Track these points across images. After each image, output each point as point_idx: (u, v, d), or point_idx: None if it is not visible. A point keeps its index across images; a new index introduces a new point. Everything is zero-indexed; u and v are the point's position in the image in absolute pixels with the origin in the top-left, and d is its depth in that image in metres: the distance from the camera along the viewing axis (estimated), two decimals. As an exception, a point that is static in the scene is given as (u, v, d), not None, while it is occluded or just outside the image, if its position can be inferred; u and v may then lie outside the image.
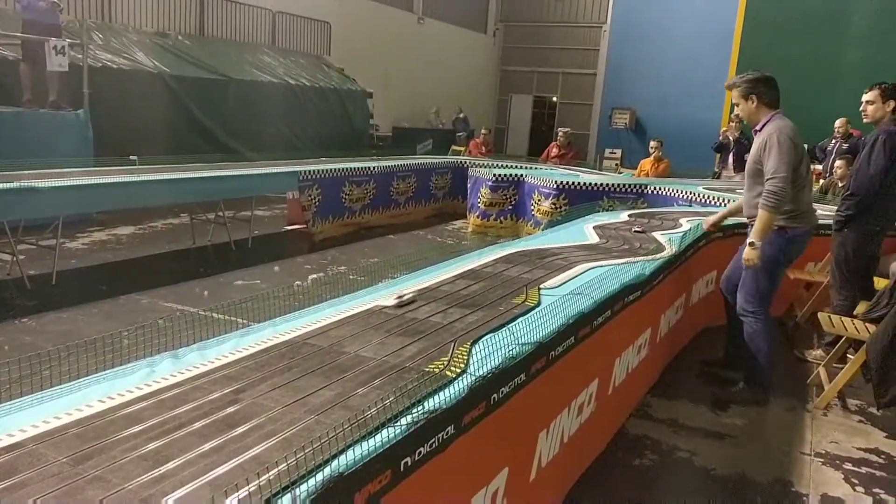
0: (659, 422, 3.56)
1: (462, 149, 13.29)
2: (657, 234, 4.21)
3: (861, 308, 4.20)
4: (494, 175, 8.50)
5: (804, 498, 2.91)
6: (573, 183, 7.91)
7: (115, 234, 7.29)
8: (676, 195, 7.45)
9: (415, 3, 17.96)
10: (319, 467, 1.26)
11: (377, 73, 15.82)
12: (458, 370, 1.80)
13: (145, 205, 6.85)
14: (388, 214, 9.01)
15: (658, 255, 3.61)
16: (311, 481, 1.22)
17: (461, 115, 17.62)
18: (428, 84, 17.99)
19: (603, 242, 3.95)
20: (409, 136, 15.59)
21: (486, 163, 9.84)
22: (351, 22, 15.13)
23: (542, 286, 2.79)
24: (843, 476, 3.12)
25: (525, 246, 3.75)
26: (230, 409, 1.56)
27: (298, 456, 1.26)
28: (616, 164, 16.69)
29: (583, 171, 9.66)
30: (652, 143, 10.09)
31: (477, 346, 1.99)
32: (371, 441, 1.38)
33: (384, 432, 1.42)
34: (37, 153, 6.26)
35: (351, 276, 2.93)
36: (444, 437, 1.58)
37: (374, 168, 8.66)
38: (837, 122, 9.45)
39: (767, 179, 3.51)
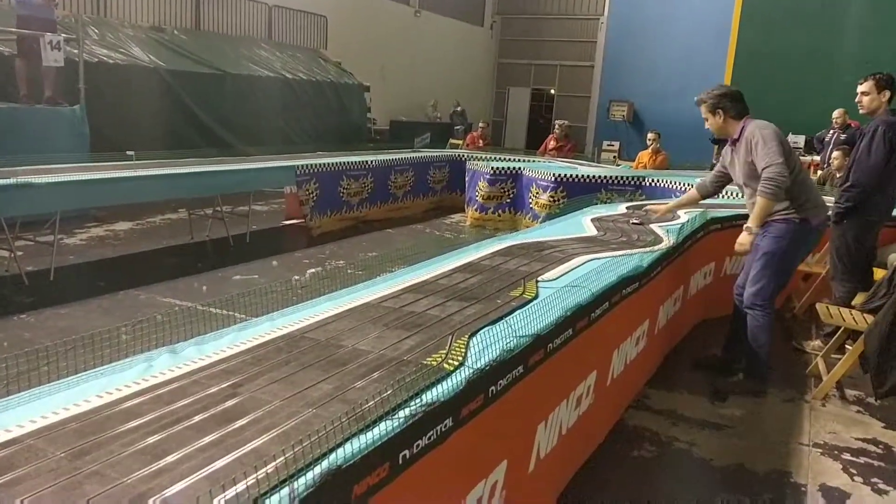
0: (657, 413, 3.57)
1: (460, 142, 13.27)
2: (655, 226, 4.20)
3: (859, 298, 4.21)
4: (492, 168, 8.49)
5: (802, 488, 2.93)
6: (571, 176, 7.91)
7: (112, 229, 7.28)
8: (674, 187, 7.45)
9: (411, -4, 17.93)
10: (318, 460, 1.26)
11: (374, 66, 15.78)
12: (456, 363, 1.80)
13: (143, 200, 6.84)
14: (386, 208, 9.00)
15: (656, 247, 3.61)
16: (310, 474, 1.22)
17: (459, 109, 17.59)
18: (425, 77, 17.94)
19: (601, 235, 3.95)
20: (406, 129, 15.55)
21: (483, 156, 9.83)
22: (347, 15, 15.08)
23: (539, 279, 2.79)
24: (841, 466, 3.14)
25: (523, 239, 3.75)
26: (228, 404, 1.56)
27: (297, 449, 1.26)
28: (614, 157, 16.65)
29: (581, 164, 9.65)
30: (650, 136, 10.09)
31: (475, 338, 1.99)
32: (369, 434, 1.38)
33: (382, 425, 1.42)
34: (33, 149, 6.24)
35: (349, 271, 2.92)
36: (443, 429, 1.58)
37: (371, 162, 8.65)
38: (835, 113, 9.45)
39: (764, 169, 3.51)
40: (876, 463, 3.19)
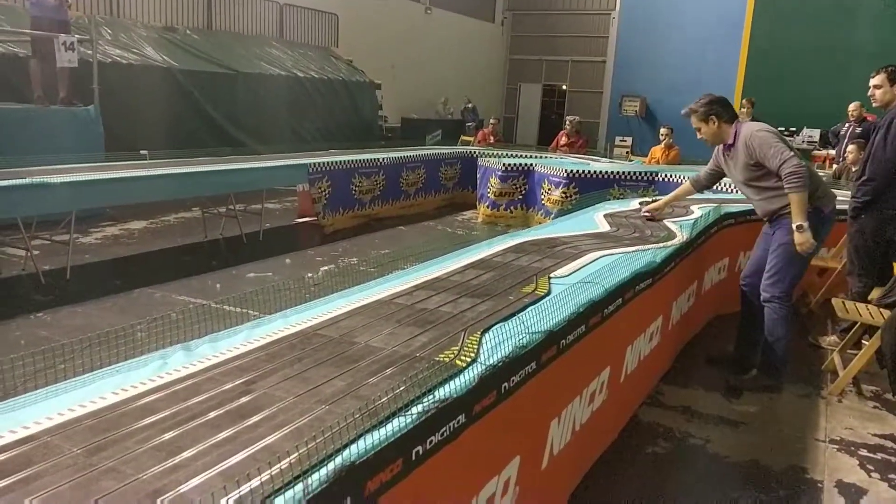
0: (671, 409, 3.56)
1: (471, 139, 13.26)
2: (668, 222, 4.18)
3: (875, 293, 4.17)
4: (504, 165, 8.47)
5: (819, 484, 2.90)
6: (583, 171, 7.87)
7: (127, 228, 7.34)
8: (687, 182, 7.39)
9: (422, -8, 17.92)
10: (331, 456, 1.27)
11: (385, 64, 15.79)
12: (469, 359, 1.80)
13: (157, 199, 6.89)
14: (397, 206, 9.01)
15: (669, 243, 3.59)
16: (323, 470, 1.22)
17: (470, 105, 17.57)
18: (436, 74, 17.94)
19: (614, 231, 3.94)
20: (417, 126, 15.57)
21: (495, 152, 9.81)
22: (358, 13, 15.10)
23: (552, 275, 2.78)
24: (857, 462, 3.11)
25: (535, 235, 3.74)
26: (242, 400, 1.56)
27: (310, 445, 1.27)
28: (626, 152, 16.60)
29: (593, 160, 9.61)
30: (662, 131, 10.02)
31: (487, 335, 1.99)
32: (382, 430, 1.38)
33: (395, 421, 1.42)
34: (48, 149, 6.29)
35: (362, 268, 2.93)
36: (455, 425, 1.58)
37: (383, 160, 8.66)
38: (851, 106, 9.33)
39: (780, 166, 3.50)
40: (893, 459, 3.16)
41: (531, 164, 8.47)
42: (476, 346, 1.89)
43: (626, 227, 4.02)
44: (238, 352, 1.87)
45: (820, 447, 3.24)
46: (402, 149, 9.96)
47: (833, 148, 10.24)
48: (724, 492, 2.84)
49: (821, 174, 8.05)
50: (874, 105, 4.34)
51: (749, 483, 2.90)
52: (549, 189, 8.05)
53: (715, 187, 4.72)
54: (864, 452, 3.20)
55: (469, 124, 16.28)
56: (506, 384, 1.82)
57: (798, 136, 15.28)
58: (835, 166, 9.16)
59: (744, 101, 11.15)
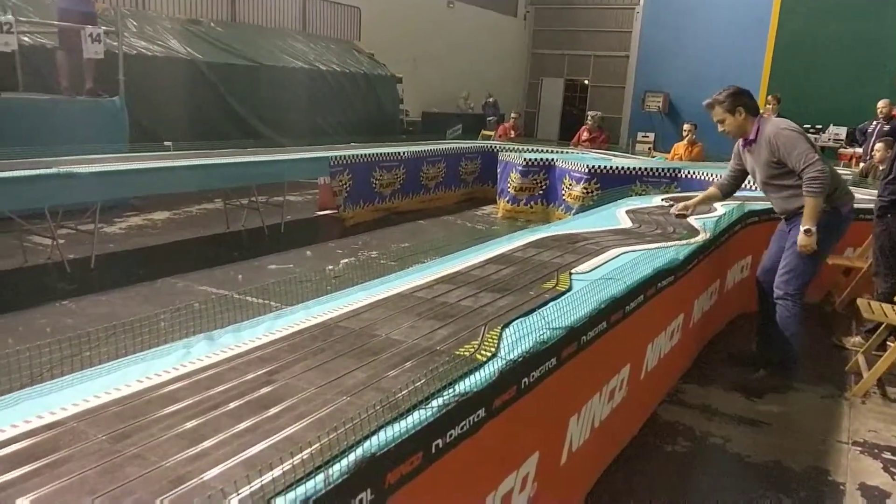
0: (692, 408, 3.53)
1: (492, 133, 13.22)
2: (691, 219, 4.14)
3: (902, 294, 4.10)
4: (525, 160, 8.43)
5: (841, 487, 2.87)
6: (605, 167, 7.82)
7: (150, 218, 7.43)
8: (710, 179, 7.31)
9: (444, -14, 17.88)
10: (351, 448, 1.27)
11: (407, 58, 15.79)
12: (489, 354, 1.80)
13: (180, 190, 6.95)
14: (417, 200, 9.02)
15: (692, 240, 3.55)
16: (344, 461, 1.23)
17: (491, 100, 17.52)
18: (458, 68, 17.90)
19: (636, 227, 3.90)
20: (438, 121, 15.55)
21: (516, 147, 9.77)
22: (381, 7, 15.11)
23: (573, 271, 2.77)
24: (881, 465, 3.06)
25: (556, 230, 3.72)
26: (264, 390, 1.58)
27: (331, 436, 1.27)
28: (649, 148, 16.44)
29: (615, 155, 9.54)
30: (685, 127, 9.93)
31: (507, 330, 1.98)
32: (402, 423, 1.38)
33: (415, 414, 1.42)
34: (74, 140, 6.38)
35: (382, 261, 2.93)
36: (475, 420, 1.58)
37: (403, 153, 8.67)
38: (880, 104, 9.17)
39: (803, 168, 3.47)
40: (918, 463, 3.12)
41: (552, 160, 8.42)
42: (496, 341, 1.88)
43: (648, 224, 3.98)
44: (260, 342, 1.88)
45: (843, 449, 3.20)
46: (423, 143, 9.96)
47: (860, 146, 10.07)
48: (744, 491, 2.81)
49: (846, 172, 7.96)
50: None
51: (770, 484, 2.87)
52: (570, 184, 8.01)
53: None
54: (888, 455, 3.16)
55: (490, 119, 16.24)
56: (526, 379, 1.82)
57: (824, 133, 15.03)
58: (861, 164, 9.01)
59: (769, 97, 10.99)
